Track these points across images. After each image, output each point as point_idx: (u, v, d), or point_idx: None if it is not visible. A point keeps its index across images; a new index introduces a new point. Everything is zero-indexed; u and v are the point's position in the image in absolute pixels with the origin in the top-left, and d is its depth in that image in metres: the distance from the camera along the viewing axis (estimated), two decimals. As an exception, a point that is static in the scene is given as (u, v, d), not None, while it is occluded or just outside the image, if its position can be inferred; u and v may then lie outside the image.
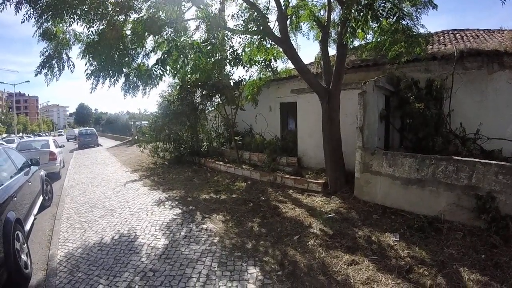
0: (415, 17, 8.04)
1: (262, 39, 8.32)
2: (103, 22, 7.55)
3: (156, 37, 8.90)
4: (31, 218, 6.58)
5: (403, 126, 9.41)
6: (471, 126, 8.23)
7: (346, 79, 8.78)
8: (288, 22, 8.50)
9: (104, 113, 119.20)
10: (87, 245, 5.88)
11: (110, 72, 8.30)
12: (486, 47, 8.77)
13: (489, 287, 3.72)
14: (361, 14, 5.35)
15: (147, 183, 10.85)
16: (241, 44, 8.61)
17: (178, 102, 14.53)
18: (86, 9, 7.18)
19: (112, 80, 8.51)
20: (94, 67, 8.23)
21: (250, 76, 12.23)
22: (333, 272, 4.32)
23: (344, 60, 8.29)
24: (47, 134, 79.53)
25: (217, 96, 13.20)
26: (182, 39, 8.20)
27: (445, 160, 5.73)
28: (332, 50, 9.79)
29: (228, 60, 8.35)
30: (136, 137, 27.08)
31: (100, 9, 7.33)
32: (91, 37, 7.84)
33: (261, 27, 7.74)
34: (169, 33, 8.75)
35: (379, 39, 8.80)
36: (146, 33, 8.25)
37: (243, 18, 7.97)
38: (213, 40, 7.72)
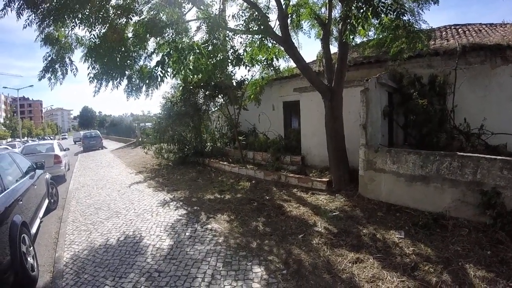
0: (416, 13, 8.02)
1: (263, 39, 8.33)
2: (105, 25, 7.58)
3: (158, 38, 8.93)
4: (37, 221, 6.62)
5: (407, 122, 9.36)
6: (475, 122, 8.16)
7: (348, 76, 8.75)
8: (289, 20, 8.49)
9: (108, 115, 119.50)
10: (93, 247, 5.91)
11: (113, 74, 8.33)
12: (489, 41, 8.71)
13: (495, 283, 3.69)
14: (361, 10, 5.33)
15: (152, 185, 10.88)
16: (242, 44, 8.62)
17: (181, 103, 14.58)
18: (87, 13, 7.21)
19: (115, 82, 8.55)
20: (97, 70, 8.29)
21: (252, 76, 12.26)
22: (338, 270, 4.31)
23: (346, 57, 8.27)
24: (51, 137, 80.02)
25: (220, 96, 13.22)
26: (181, 41, 8.22)
27: (450, 156, 5.70)
28: (334, 48, 9.78)
29: (230, 60, 8.35)
30: (140, 139, 27.23)
31: (101, 13, 7.36)
32: (93, 41, 7.88)
33: (262, 27, 7.74)
34: (170, 34, 8.78)
35: (380, 36, 8.78)
36: (148, 35, 8.28)
37: (244, 18, 7.98)
38: (214, 40, 7.72)
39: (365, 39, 10.17)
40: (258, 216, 6.73)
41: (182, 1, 8.56)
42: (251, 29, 7.91)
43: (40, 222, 6.97)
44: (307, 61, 8.69)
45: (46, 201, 8.25)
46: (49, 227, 7.46)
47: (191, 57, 6.79)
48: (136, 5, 8.04)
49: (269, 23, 8.02)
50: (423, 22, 8.15)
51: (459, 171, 5.52)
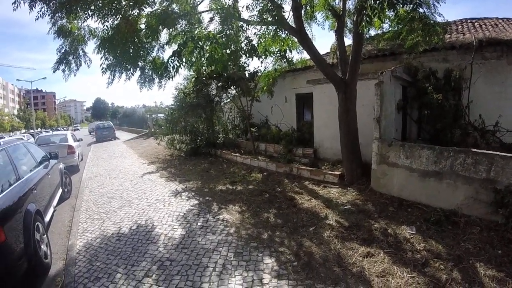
0: (432, 5, 7.87)
1: (277, 30, 8.27)
2: (117, 16, 7.58)
3: (170, 30, 8.94)
4: (51, 210, 6.75)
5: (421, 117, 9.28)
6: (490, 118, 8.04)
7: (362, 69, 8.65)
8: (302, 11, 8.41)
9: (120, 106, 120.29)
10: (106, 235, 6.01)
11: (126, 66, 8.37)
12: (506, 36, 8.53)
13: (505, 283, 3.63)
14: (377, 1, 5.27)
15: (164, 175, 10.99)
16: (256, 35, 8.59)
17: (193, 94, 14.62)
18: (100, 5, 7.22)
19: (128, 73, 8.60)
20: (110, 62, 8.33)
21: (265, 67, 12.22)
22: (349, 264, 4.30)
23: (361, 49, 8.17)
24: (65, 128, 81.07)
25: (232, 87, 13.20)
26: (197, 31, 8.22)
27: (464, 152, 5.60)
28: (348, 40, 9.68)
29: (243, 51, 8.33)
30: (152, 130, 27.40)
31: (114, 4, 7.36)
32: (106, 32, 7.91)
33: (276, 18, 7.68)
34: (183, 25, 8.78)
35: (395, 28, 8.67)
36: (160, 27, 8.29)
37: (258, 9, 7.94)
38: (228, 31, 7.71)
39: (379, 32, 10.05)
40: (270, 208, 6.74)
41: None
42: (265, 20, 7.86)
43: (54, 210, 7.11)
44: (321, 53, 8.62)
45: (60, 190, 8.40)
46: (62, 216, 7.61)
47: (207, 47, 6.79)
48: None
49: (283, 13, 7.97)
50: (439, 15, 7.97)
51: (473, 168, 5.42)
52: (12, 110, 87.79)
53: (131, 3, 7.74)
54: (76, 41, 8.69)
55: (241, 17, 8.17)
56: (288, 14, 8.46)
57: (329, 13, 9.17)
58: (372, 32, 10.46)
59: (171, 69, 6.73)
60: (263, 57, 9.17)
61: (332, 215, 6.03)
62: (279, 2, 8.18)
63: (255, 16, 7.90)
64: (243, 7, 8.38)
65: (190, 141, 15.40)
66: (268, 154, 12.02)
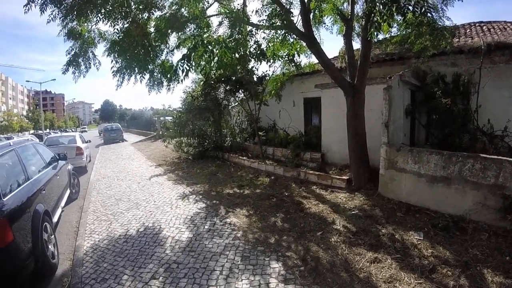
0: (440, 9, 7.83)
1: (286, 34, 8.30)
2: (127, 20, 7.66)
3: (179, 33, 9.00)
4: (59, 210, 6.83)
5: (429, 122, 9.22)
6: (499, 123, 7.94)
7: (370, 73, 8.62)
8: (311, 16, 8.43)
9: (128, 109, 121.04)
10: (113, 237, 6.06)
11: (136, 69, 8.44)
12: (514, 40, 8.47)
13: (513, 290, 3.64)
14: (386, 7, 5.26)
15: (172, 178, 11.03)
16: (265, 39, 8.62)
17: (202, 97, 14.69)
18: (109, 8, 7.30)
19: (138, 76, 8.66)
20: (120, 65, 8.40)
21: (273, 71, 12.21)
22: (356, 269, 4.30)
23: (369, 54, 8.16)
24: (73, 130, 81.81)
25: (240, 91, 13.24)
26: (206, 35, 8.27)
27: (472, 157, 5.56)
28: (356, 44, 9.67)
29: (252, 55, 8.37)
30: (160, 133, 27.55)
31: (124, 8, 7.44)
32: (116, 35, 8.00)
33: (285, 22, 7.70)
34: (192, 29, 8.84)
35: (404, 32, 8.65)
36: (169, 30, 8.36)
37: (267, 14, 7.97)
38: (237, 35, 7.75)
39: (387, 36, 10.02)
40: (277, 212, 6.75)
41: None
42: (274, 25, 7.90)
43: (62, 211, 7.18)
44: (329, 57, 8.62)
45: (68, 191, 8.50)
46: (70, 217, 7.68)
47: (217, 51, 6.84)
48: (158, 0, 8.12)
49: (292, 18, 8.00)
50: (447, 18, 7.91)
51: (481, 173, 5.39)
52: (21, 110, 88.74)
53: (141, 7, 7.83)
54: (86, 44, 8.81)
55: (250, 21, 8.22)
56: (296, 18, 8.49)
57: (338, 17, 9.18)
58: (380, 36, 10.44)
59: (181, 73, 6.78)
60: (271, 61, 9.20)
61: (340, 220, 6.02)
62: (288, 7, 8.20)
63: (264, 21, 7.94)
64: (252, 12, 8.45)
65: (197, 144, 15.49)
66: (275, 158, 12.01)
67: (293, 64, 10.00)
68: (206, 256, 4.96)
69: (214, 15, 9.19)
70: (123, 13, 7.48)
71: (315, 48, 8.04)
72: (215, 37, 7.71)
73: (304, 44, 8.78)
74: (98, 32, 9.01)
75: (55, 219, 6.19)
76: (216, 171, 11.55)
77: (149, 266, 4.79)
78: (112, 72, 8.42)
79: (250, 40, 8.15)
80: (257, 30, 8.15)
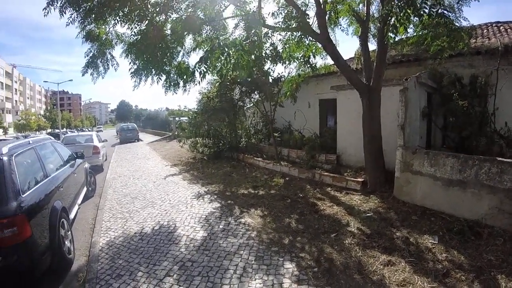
0: (456, 9, 7.73)
1: (302, 36, 8.31)
2: (144, 22, 7.78)
3: (196, 35, 9.10)
4: (76, 207, 6.97)
5: (446, 124, 9.12)
6: (517, 126, 7.86)
7: (386, 75, 8.57)
8: (326, 17, 8.42)
9: (144, 109, 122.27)
10: (128, 234, 6.17)
11: (152, 70, 8.55)
12: (532, 40, 8.33)
13: (527, 296, 3.60)
14: (403, 10, 5.25)
15: (187, 177, 11.15)
16: (280, 41, 8.64)
17: (217, 98, 14.83)
18: (127, 11, 7.43)
19: (155, 78, 8.77)
20: (138, 66, 8.53)
21: (289, 73, 12.20)
22: (369, 271, 4.28)
23: (385, 55, 8.08)
24: (89, 129, 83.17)
25: (256, 92, 13.31)
26: (223, 37, 8.34)
27: (489, 161, 5.47)
28: (372, 45, 9.62)
29: (268, 57, 8.40)
30: (175, 133, 27.78)
31: (141, 10, 7.55)
32: (134, 37, 8.13)
33: (301, 24, 7.71)
34: (208, 31, 8.92)
35: (420, 33, 8.58)
36: (185, 32, 8.44)
37: (283, 16, 8.00)
38: (253, 37, 7.80)
39: (404, 37, 9.93)
40: (291, 213, 6.77)
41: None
42: (290, 27, 7.92)
43: (78, 208, 7.29)
44: (344, 59, 8.59)
45: (85, 189, 8.66)
46: (86, 214, 7.84)
47: (233, 53, 6.90)
48: (175, 3, 8.21)
49: (307, 20, 8.01)
50: (464, 19, 7.77)
51: (498, 177, 5.29)
52: (38, 110, 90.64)
53: (158, 9, 7.93)
54: (104, 45, 8.97)
55: (266, 23, 8.25)
56: (312, 20, 8.50)
57: (353, 18, 9.16)
58: (396, 38, 10.37)
59: (198, 75, 6.86)
60: (287, 62, 9.22)
61: (354, 222, 6.01)
62: (303, 9, 8.21)
63: (280, 23, 7.97)
64: (268, 14, 8.47)
65: (212, 145, 15.58)
66: (290, 160, 12.01)
67: (308, 65, 9.97)
68: (220, 255, 5.01)
69: (230, 17, 9.24)
70: (140, 16, 7.60)
71: (331, 49, 8.02)
72: (231, 39, 7.76)
73: (320, 45, 8.77)
74: (116, 34, 9.18)
75: (71, 215, 6.33)
76: (231, 172, 11.63)
77: (163, 264, 4.86)
78: (130, 74, 8.57)
79: (266, 42, 8.19)
80: (273, 32, 8.18)
